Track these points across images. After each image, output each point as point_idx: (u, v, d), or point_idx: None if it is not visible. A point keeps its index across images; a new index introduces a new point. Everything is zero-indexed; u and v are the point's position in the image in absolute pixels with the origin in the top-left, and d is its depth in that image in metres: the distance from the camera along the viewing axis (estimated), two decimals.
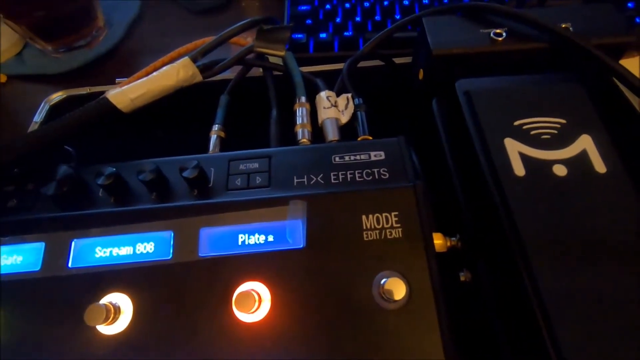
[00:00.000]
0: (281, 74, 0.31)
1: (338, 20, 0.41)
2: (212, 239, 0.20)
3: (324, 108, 0.27)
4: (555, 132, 0.21)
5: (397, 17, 0.41)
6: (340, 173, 0.22)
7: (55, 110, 0.33)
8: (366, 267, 0.19)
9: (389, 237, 0.19)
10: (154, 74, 0.26)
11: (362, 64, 0.33)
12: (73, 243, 0.20)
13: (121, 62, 0.45)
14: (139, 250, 0.19)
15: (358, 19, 0.41)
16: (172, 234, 0.20)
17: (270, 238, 0.20)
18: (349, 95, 0.28)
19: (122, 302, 0.18)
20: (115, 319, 0.18)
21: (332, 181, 0.21)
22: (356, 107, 0.27)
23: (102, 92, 0.30)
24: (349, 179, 0.22)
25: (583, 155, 0.20)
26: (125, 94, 0.25)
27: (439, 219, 0.22)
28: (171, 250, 0.19)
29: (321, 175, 0.22)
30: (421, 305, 0.18)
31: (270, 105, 0.30)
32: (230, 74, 0.32)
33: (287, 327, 0.18)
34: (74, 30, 0.44)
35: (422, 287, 0.18)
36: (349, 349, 0.17)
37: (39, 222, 0.20)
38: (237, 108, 0.31)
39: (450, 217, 0.24)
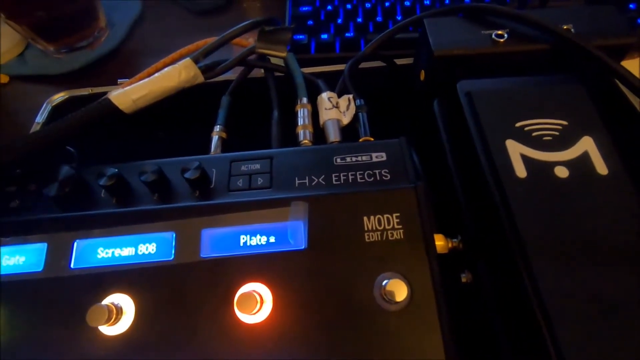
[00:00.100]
0: (283, 75, 0.31)
1: (339, 21, 0.41)
2: (213, 240, 0.20)
3: (326, 109, 0.27)
4: (557, 133, 0.21)
5: (399, 18, 0.41)
6: (341, 174, 0.22)
7: (57, 111, 0.33)
8: (367, 269, 0.19)
9: (390, 238, 0.19)
10: (156, 75, 0.26)
11: (363, 64, 0.33)
12: (75, 244, 0.20)
13: (123, 62, 0.45)
14: (141, 251, 0.20)
15: (359, 20, 0.41)
16: (174, 235, 0.20)
17: (272, 239, 0.20)
18: (351, 96, 0.28)
19: (124, 302, 0.18)
20: (117, 319, 0.18)
21: (334, 182, 0.22)
22: (357, 108, 0.27)
23: (104, 93, 0.30)
24: (350, 180, 0.22)
25: (584, 157, 0.20)
26: (127, 95, 0.25)
27: (440, 220, 0.22)
28: (173, 251, 0.19)
29: (323, 176, 0.22)
30: (422, 307, 0.18)
31: (271, 106, 0.30)
32: (231, 74, 0.32)
33: (289, 328, 0.18)
34: (75, 30, 0.44)
35: (423, 288, 0.18)
36: (350, 350, 0.17)
37: (41, 222, 0.20)
38: (239, 109, 0.31)
39: (451, 218, 0.24)
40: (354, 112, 0.27)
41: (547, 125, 0.21)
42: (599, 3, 0.35)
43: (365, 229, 0.19)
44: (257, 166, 0.23)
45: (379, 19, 0.41)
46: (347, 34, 0.40)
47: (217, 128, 0.28)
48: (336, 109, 0.27)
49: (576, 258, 0.18)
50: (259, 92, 0.32)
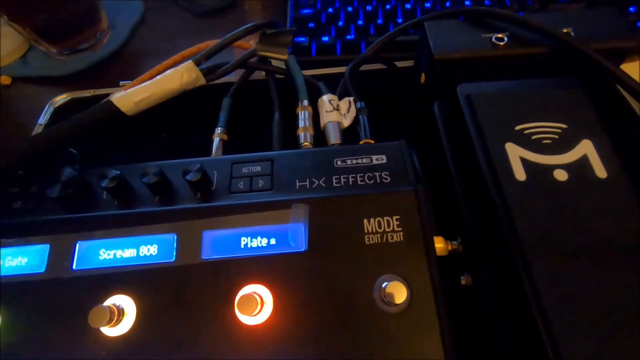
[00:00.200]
0: (284, 77, 0.32)
1: (340, 23, 0.41)
2: (214, 242, 0.20)
3: (326, 111, 0.27)
4: (556, 137, 0.21)
5: (399, 20, 0.41)
6: (342, 176, 0.22)
7: (60, 113, 0.33)
8: (367, 271, 0.19)
9: (390, 240, 0.19)
10: (158, 77, 0.26)
11: (364, 67, 0.33)
12: (77, 245, 0.20)
13: (125, 64, 0.45)
14: (142, 252, 0.20)
15: (360, 22, 0.41)
16: (176, 237, 0.20)
17: (273, 241, 0.20)
18: (351, 98, 0.28)
19: (125, 304, 0.18)
20: (118, 320, 0.18)
21: (334, 184, 0.22)
22: (358, 110, 0.28)
23: (106, 95, 0.30)
24: (350, 183, 0.22)
25: (584, 160, 0.20)
26: (130, 97, 0.25)
27: (440, 223, 0.22)
28: (174, 253, 0.20)
29: (323, 178, 0.22)
30: (422, 309, 0.18)
31: (272, 109, 0.30)
32: (233, 77, 0.32)
33: (289, 329, 0.18)
34: (78, 32, 0.44)
35: (423, 290, 0.18)
36: (350, 351, 0.17)
37: (43, 224, 0.21)
38: (240, 111, 0.31)
39: (451, 220, 0.24)
40: (354, 114, 0.28)
41: (547, 128, 0.22)
42: (599, 6, 0.35)
43: (366, 231, 0.20)
44: (258, 168, 0.23)
45: (379, 21, 0.41)
46: (348, 37, 0.40)
47: (218, 130, 0.28)
48: (337, 112, 0.27)
49: (575, 260, 0.18)
50: (260, 94, 0.32)
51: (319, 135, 0.27)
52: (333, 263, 0.19)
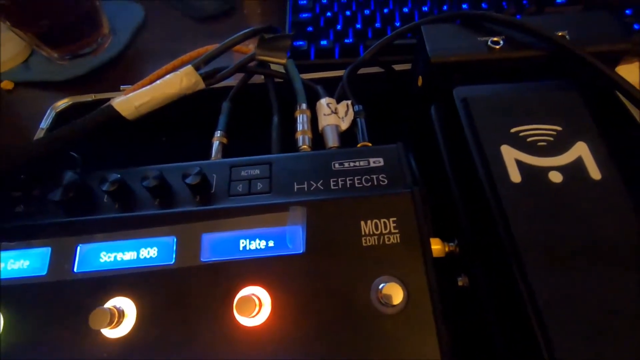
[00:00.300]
0: (282, 81, 0.32)
1: (339, 27, 0.42)
2: (213, 244, 0.20)
3: (324, 115, 0.28)
4: (551, 139, 0.21)
5: (397, 24, 0.41)
6: (339, 179, 0.22)
7: (61, 117, 0.34)
8: (365, 272, 0.19)
9: (387, 242, 0.20)
10: (158, 82, 0.27)
11: (362, 70, 0.33)
12: (78, 248, 0.20)
13: (126, 68, 0.45)
14: (142, 255, 0.20)
15: (358, 26, 0.41)
16: (175, 240, 0.20)
17: (271, 243, 0.20)
18: (349, 102, 0.29)
19: (125, 306, 0.19)
20: (119, 322, 0.18)
21: (332, 187, 0.22)
22: (356, 114, 0.28)
23: (107, 99, 0.30)
24: (348, 185, 0.22)
25: (578, 162, 0.21)
26: (130, 101, 0.25)
27: (438, 224, 0.22)
28: (174, 255, 0.20)
29: (321, 181, 0.22)
30: (419, 310, 0.18)
31: (271, 112, 0.30)
32: (232, 81, 0.33)
33: (287, 331, 0.18)
34: (79, 37, 0.45)
35: (419, 291, 0.18)
36: (347, 352, 0.18)
37: (45, 227, 0.21)
38: (239, 115, 0.31)
39: (448, 222, 0.24)
40: (352, 117, 0.28)
41: (542, 130, 0.22)
42: (596, 9, 0.36)
43: (363, 233, 0.20)
44: (257, 171, 0.23)
45: (377, 25, 0.41)
46: (346, 40, 0.40)
47: (217, 133, 0.28)
48: (335, 115, 0.28)
49: (570, 262, 0.18)
50: (259, 98, 0.32)
51: (317, 138, 0.27)
52: (330, 265, 0.19)
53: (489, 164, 0.21)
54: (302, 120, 0.28)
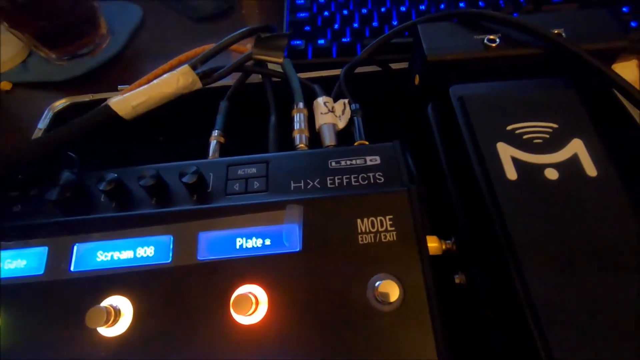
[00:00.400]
0: (279, 80, 0.32)
1: (336, 26, 0.42)
2: (210, 243, 0.20)
3: (321, 113, 0.28)
4: (547, 136, 0.21)
5: (394, 23, 0.41)
6: (336, 177, 0.22)
7: (59, 117, 0.34)
8: (361, 270, 0.19)
9: (383, 240, 0.20)
10: (155, 81, 0.27)
11: (359, 69, 0.33)
12: (75, 247, 0.20)
13: (124, 69, 0.46)
14: (139, 254, 0.20)
15: (356, 25, 0.41)
16: (172, 238, 0.20)
17: (268, 242, 0.20)
18: (346, 100, 0.29)
19: (122, 304, 0.19)
20: (115, 321, 0.18)
21: (329, 185, 0.22)
22: (353, 112, 0.28)
23: (105, 99, 0.30)
24: (344, 184, 0.22)
25: (574, 159, 0.21)
26: (127, 101, 0.25)
27: (435, 222, 0.22)
28: (171, 254, 0.20)
29: (317, 179, 0.22)
30: (415, 308, 0.18)
31: (269, 111, 0.31)
32: (230, 80, 0.33)
33: (284, 329, 0.18)
34: (77, 38, 0.45)
35: (415, 289, 0.18)
36: (344, 350, 0.18)
37: (42, 227, 0.21)
38: (237, 114, 0.31)
39: (445, 220, 0.24)
40: (349, 116, 0.28)
41: (538, 128, 0.22)
42: (592, 7, 0.36)
43: (359, 231, 0.20)
44: (254, 170, 0.23)
45: (375, 24, 0.41)
46: (343, 39, 0.40)
47: (215, 133, 0.28)
48: (332, 114, 0.28)
49: (566, 260, 0.18)
50: (257, 97, 0.32)
51: (315, 137, 0.27)
52: (327, 263, 0.19)
53: (485, 161, 0.21)
54: (299, 119, 0.28)
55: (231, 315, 0.18)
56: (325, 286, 0.19)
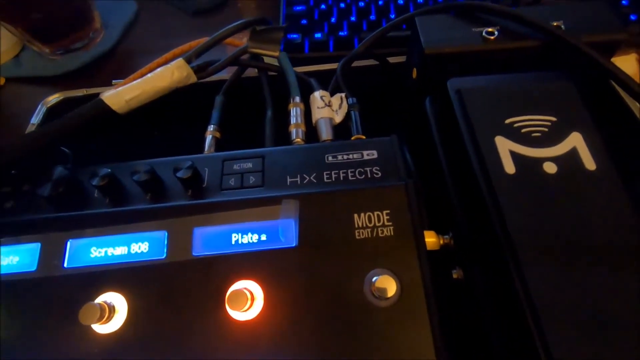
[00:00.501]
0: (276, 74, 0.32)
1: (333, 20, 0.41)
2: (205, 239, 0.20)
3: (318, 108, 0.27)
4: (546, 129, 0.21)
5: (392, 16, 0.41)
6: (333, 172, 0.22)
7: (53, 112, 0.33)
8: (358, 265, 0.19)
9: (380, 235, 0.19)
10: (149, 75, 0.26)
11: (356, 63, 0.33)
12: (68, 243, 0.20)
13: (118, 63, 0.45)
14: (133, 250, 0.20)
15: (353, 18, 0.41)
16: (166, 234, 0.20)
17: (263, 237, 0.20)
18: (343, 94, 0.28)
19: (116, 301, 0.18)
20: (109, 318, 0.18)
21: (325, 180, 0.22)
22: (350, 106, 0.28)
23: (99, 94, 0.30)
24: (341, 178, 0.22)
25: (573, 153, 0.20)
26: (120, 95, 0.25)
27: (433, 217, 0.22)
28: (165, 250, 0.20)
29: (314, 174, 0.22)
30: (412, 303, 0.18)
31: (265, 105, 0.30)
32: (225, 74, 0.32)
33: (280, 325, 0.18)
34: (71, 32, 0.44)
35: (413, 284, 0.18)
36: (340, 345, 0.17)
37: (35, 222, 0.21)
38: (233, 108, 0.31)
39: (443, 214, 0.24)
40: (346, 110, 0.28)
41: (536, 121, 0.22)
42: None
43: (356, 226, 0.20)
44: (249, 165, 0.23)
45: (372, 17, 0.41)
46: (340, 33, 0.40)
47: (210, 127, 0.28)
48: (328, 108, 0.27)
49: (564, 255, 0.18)
50: (253, 91, 0.32)
51: (311, 131, 0.27)
52: (323, 258, 0.19)
53: (483, 155, 0.21)
54: (295, 113, 0.27)
55: (226, 311, 0.18)
56: (321, 282, 0.19)
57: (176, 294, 0.19)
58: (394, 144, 0.23)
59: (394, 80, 0.34)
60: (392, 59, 0.33)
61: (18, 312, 0.19)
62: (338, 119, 0.27)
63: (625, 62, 0.36)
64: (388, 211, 0.20)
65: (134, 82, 0.26)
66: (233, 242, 0.20)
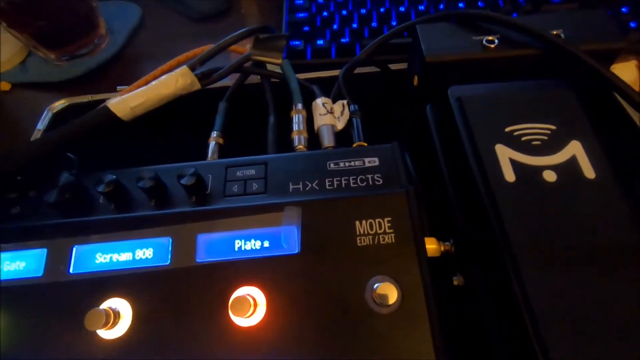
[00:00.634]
0: (278, 81, 0.32)
1: (335, 27, 0.42)
2: (209, 245, 0.20)
3: (320, 115, 0.28)
4: (546, 138, 0.21)
5: (394, 23, 0.41)
6: (334, 179, 0.22)
7: (58, 118, 0.34)
8: (359, 272, 0.19)
9: (382, 242, 0.20)
10: (153, 82, 0.27)
11: (358, 70, 0.33)
12: (74, 249, 0.20)
13: (123, 69, 0.45)
14: (138, 256, 0.20)
15: (355, 25, 0.41)
16: (171, 240, 0.20)
17: (266, 244, 0.20)
18: (345, 101, 0.29)
19: (121, 307, 0.19)
20: (114, 323, 0.18)
21: (327, 187, 0.22)
22: (351, 113, 0.28)
23: (104, 100, 0.30)
24: (343, 185, 0.22)
25: (572, 161, 0.21)
26: (126, 102, 0.25)
27: (433, 224, 0.22)
28: (169, 256, 0.20)
29: (316, 181, 0.22)
30: (413, 310, 0.18)
31: (267, 112, 0.30)
32: (229, 81, 0.33)
33: (282, 331, 0.18)
34: (76, 38, 0.45)
35: (414, 291, 0.18)
36: (342, 352, 0.18)
37: (41, 228, 0.21)
38: (236, 115, 0.31)
39: (444, 221, 0.24)
40: (348, 117, 0.28)
41: (536, 129, 0.22)
42: (592, 7, 0.36)
43: (357, 233, 0.20)
44: (252, 172, 0.23)
45: (374, 24, 0.41)
46: (342, 40, 0.40)
47: (214, 134, 0.28)
48: (330, 115, 0.28)
49: (564, 262, 0.18)
50: (256, 98, 0.32)
51: (313, 138, 0.27)
52: (325, 265, 0.19)
53: (483, 163, 0.21)
54: (297, 120, 0.28)
55: (229, 317, 0.18)
56: (323, 288, 0.19)
57: (180, 300, 0.19)
58: (395, 151, 0.23)
59: (395, 87, 0.34)
60: (393, 66, 0.34)
61: (24, 317, 0.19)
62: (340, 125, 0.28)
63: (625, 69, 0.37)
64: (389, 218, 0.20)
65: (139, 89, 0.26)
66: (236, 249, 0.20)
